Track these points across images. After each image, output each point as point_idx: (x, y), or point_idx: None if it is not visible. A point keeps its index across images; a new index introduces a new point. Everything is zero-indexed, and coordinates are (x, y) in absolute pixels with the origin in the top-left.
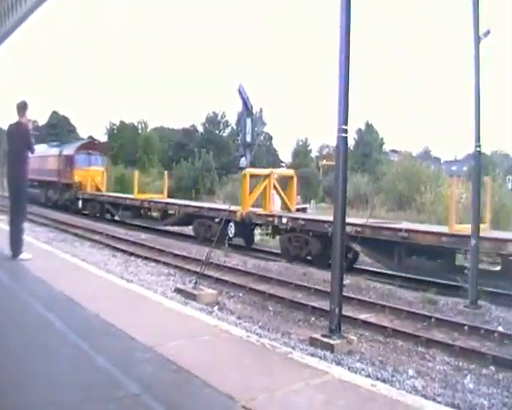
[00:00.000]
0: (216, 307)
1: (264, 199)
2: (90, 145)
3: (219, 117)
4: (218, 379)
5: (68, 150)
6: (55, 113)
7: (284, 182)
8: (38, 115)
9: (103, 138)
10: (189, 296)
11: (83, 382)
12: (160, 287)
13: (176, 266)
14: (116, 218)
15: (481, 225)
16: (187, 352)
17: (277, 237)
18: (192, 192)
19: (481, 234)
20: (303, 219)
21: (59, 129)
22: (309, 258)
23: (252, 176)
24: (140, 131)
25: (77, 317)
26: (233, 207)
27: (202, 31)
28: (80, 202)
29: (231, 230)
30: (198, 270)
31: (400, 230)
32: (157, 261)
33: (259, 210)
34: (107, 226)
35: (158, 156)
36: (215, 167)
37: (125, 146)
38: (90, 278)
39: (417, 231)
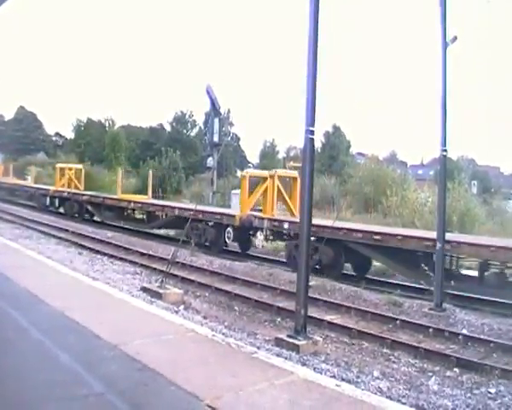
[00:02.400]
0: (182, 307)
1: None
2: None
3: (187, 116)
4: (183, 378)
5: None
6: (21, 108)
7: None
8: (4, 110)
9: (70, 135)
10: (155, 295)
11: (46, 380)
12: (125, 285)
13: (142, 265)
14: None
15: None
16: (152, 350)
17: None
18: (159, 191)
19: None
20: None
21: (25, 124)
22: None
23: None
24: (107, 129)
25: (41, 314)
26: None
27: (171, 30)
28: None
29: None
30: (164, 269)
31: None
32: (123, 260)
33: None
34: (74, 224)
35: (125, 155)
36: (182, 167)
37: (92, 143)
38: (56, 276)
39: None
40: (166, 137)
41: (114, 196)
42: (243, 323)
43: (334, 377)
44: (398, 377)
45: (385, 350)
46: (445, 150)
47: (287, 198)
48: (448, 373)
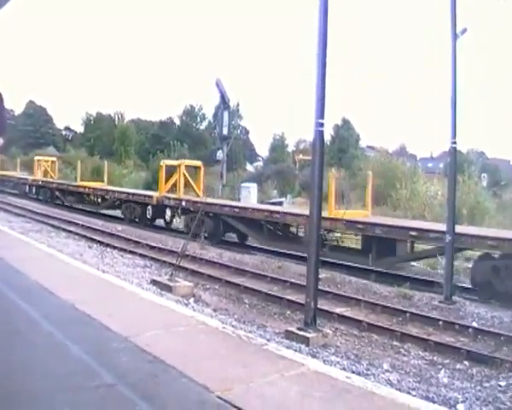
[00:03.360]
0: (192, 299)
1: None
2: None
3: (196, 110)
4: (194, 370)
5: None
6: (31, 102)
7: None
8: (14, 104)
9: (80, 129)
10: (165, 288)
11: (57, 371)
12: (135, 278)
13: (152, 258)
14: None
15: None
16: (162, 342)
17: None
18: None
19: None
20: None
21: (35, 119)
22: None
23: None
24: (117, 123)
25: (52, 306)
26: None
27: (181, 23)
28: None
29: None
30: (174, 262)
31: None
32: (133, 253)
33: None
34: (84, 217)
35: (134, 148)
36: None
37: (102, 137)
38: (66, 269)
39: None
40: (176, 131)
41: (75, 183)
42: (253, 315)
43: (344, 369)
44: (407, 370)
45: (395, 343)
46: (455, 143)
47: (192, 182)
48: (458, 366)
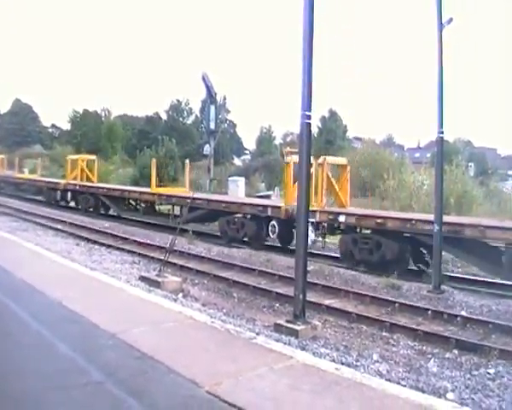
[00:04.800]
0: (180, 295)
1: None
2: None
3: (183, 104)
4: (183, 365)
5: None
6: (17, 100)
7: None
8: (0, 103)
9: (66, 126)
10: (154, 284)
11: (45, 370)
12: (124, 275)
13: (140, 254)
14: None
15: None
16: (151, 338)
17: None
18: (156, 180)
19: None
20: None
21: (21, 117)
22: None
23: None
24: (103, 119)
25: (40, 305)
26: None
27: (166, 18)
28: None
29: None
30: (162, 258)
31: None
32: (121, 249)
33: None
34: (71, 215)
35: (121, 144)
36: (179, 155)
37: (88, 134)
38: (54, 267)
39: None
40: (163, 126)
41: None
42: (242, 309)
43: (333, 361)
44: (397, 360)
45: (384, 333)
46: (442, 133)
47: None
48: (447, 355)
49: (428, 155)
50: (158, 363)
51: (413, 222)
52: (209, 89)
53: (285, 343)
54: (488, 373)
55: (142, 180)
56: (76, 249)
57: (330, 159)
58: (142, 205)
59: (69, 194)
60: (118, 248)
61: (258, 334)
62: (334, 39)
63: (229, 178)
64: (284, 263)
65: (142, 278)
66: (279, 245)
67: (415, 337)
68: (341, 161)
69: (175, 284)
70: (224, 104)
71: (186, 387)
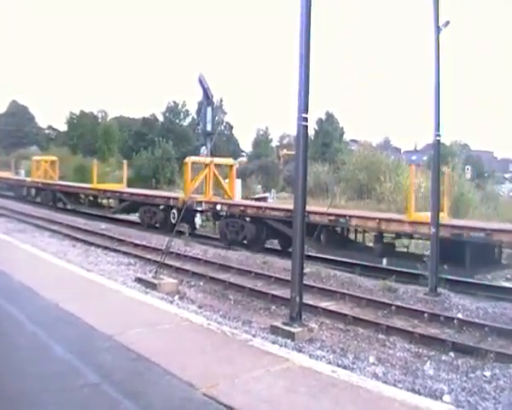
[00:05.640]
0: (176, 297)
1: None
2: None
3: (180, 106)
4: (179, 367)
5: None
6: (14, 102)
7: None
8: None
9: (63, 128)
10: (150, 286)
11: (41, 372)
12: (120, 276)
13: (136, 256)
14: None
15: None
16: (147, 340)
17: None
18: (152, 182)
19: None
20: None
21: (18, 118)
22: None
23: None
24: (100, 121)
25: (36, 307)
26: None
27: (163, 20)
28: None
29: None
30: (158, 259)
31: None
32: (117, 251)
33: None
34: (67, 217)
35: (118, 146)
36: (175, 157)
37: (85, 136)
38: (50, 268)
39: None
40: (159, 128)
41: None
42: (238, 311)
43: (329, 363)
44: (393, 363)
45: (380, 336)
46: (439, 136)
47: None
48: (443, 358)
49: (425, 157)
50: (154, 365)
51: (264, 209)
52: (205, 91)
53: (281, 346)
54: (484, 376)
55: (138, 182)
56: (72, 251)
57: (217, 160)
58: (91, 198)
59: (33, 190)
60: (114, 250)
61: (254, 336)
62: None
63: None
64: (281, 265)
65: (139, 280)
66: (277, 248)
67: (411, 340)
68: (229, 161)
69: (171, 286)
70: (221, 106)
71: (182, 389)
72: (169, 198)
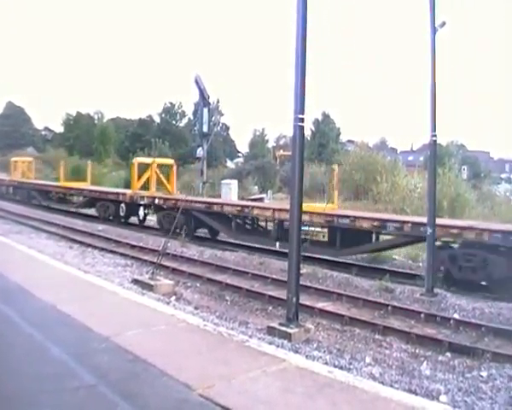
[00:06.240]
0: (173, 298)
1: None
2: None
3: (176, 107)
4: (175, 368)
5: None
6: (10, 103)
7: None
8: None
9: (59, 129)
10: (146, 287)
11: (38, 373)
12: (117, 278)
13: (133, 257)
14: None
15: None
16: (144, 341)
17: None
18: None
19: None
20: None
21: (14, 120)
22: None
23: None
24: (96, 122)
25: (32, 308)
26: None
27: (159, 21)
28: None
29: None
30: (155, 261)
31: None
32: (114, 252)
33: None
34: (64, 218)
35: (114, 147)
36: (172, 158)
37: (81, 137)
38: (47, 270)
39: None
40: (156, 129)
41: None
42: (235, 312)
43: (326, 363)
44: (390, 363)
45: (377, 336)
46: (435, 136)
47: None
48: (440, 358)
49: (421, 158)
50: (151, 366)
51: (190, 202)
52: (202, 91)
53: (278, 346)
54: (481, 376)
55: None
56: (69, 252)
57: (159, 160)
58: (60, 196)
59: (11, 189)
60: (111, 251)
61: (250, 337)
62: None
63: (222, 181)
64: (277, 266)
65: (135, 281)
66: (274, 249)
67: (408, 340)
68: (168, 161)
69: (167, 287)
70: (217, 107)
71: (179, 390)
72: (118, 194)
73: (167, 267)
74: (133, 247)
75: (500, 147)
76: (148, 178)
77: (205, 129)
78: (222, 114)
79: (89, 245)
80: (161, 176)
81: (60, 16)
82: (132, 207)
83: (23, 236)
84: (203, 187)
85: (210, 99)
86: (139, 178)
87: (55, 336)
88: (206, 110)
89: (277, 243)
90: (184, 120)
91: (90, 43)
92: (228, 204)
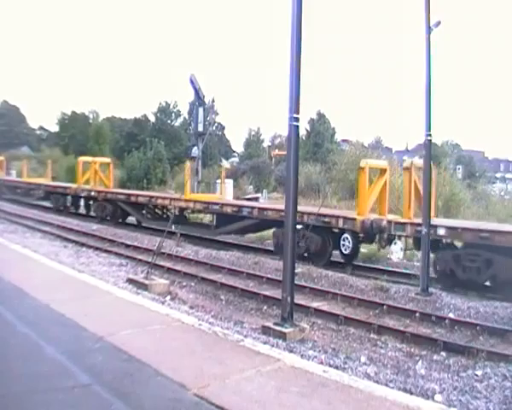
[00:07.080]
0: (168, 297)
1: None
2: None
3: (171, 107)
4: (170, 367)
5: None
6: (4, 102)
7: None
8: None
9: (54, 128)
10: (141, 286)
11: (32, 372)
12: (111, 277)
13: (127, 257)
14: None
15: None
16: (138, 341)
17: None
18: (143, 182)
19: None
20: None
21: (9, 119)
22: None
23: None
24: (91, 121)
25: (27, 307)
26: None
27: (154, 20)
28: None
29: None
30: (150, 260)
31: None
32: (108, 252)
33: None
34: (58, 217)
35: (109, 146)
36: (167, 157)
37: (76, 136)
38: (41, 269)
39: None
40: (151, 128)
41: None
42: (230, 312)
43: (321, 363)
44: (385, 362)
45: (372, 336)
46: (430, 135)
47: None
48: (435, 357)
49: (417, 157)
50: (145, 365)
51: (114, 194)
52: (197, 91)
53: (273, 346)
54: (476, 375)
55: (129, 181)
56: (63, 252)
57: (98, 159)
58: (25, 190)
59: None
60: (105, 251)
61: (245, 336)
62: (324, 41)
63: (218, 181)
64: (272, 265)
65: (130, 281)
66: (269, 248)
67: (403, 339)
68: (106, 160)
69: (162, 287)
70: (213, 107)
71: (173, 389)
72: (66, 188)
73: (162, 267)
74: (128, 246)
75: (495, 146)
76: (90, 175)
77: (200, 128)
78: (217, 114)
79: (83, 244)
80: (100, 173)
81: (55, 15)
82: (76, 198)
83: (17, 235)
84: (198, 186)
85: (205, 98)
86: (83, 174)
87: (50, 335)
88: (201, 110)
89: (173, 226)
90: (179, 120)
91: (86, 43)
92: (141, 195)
